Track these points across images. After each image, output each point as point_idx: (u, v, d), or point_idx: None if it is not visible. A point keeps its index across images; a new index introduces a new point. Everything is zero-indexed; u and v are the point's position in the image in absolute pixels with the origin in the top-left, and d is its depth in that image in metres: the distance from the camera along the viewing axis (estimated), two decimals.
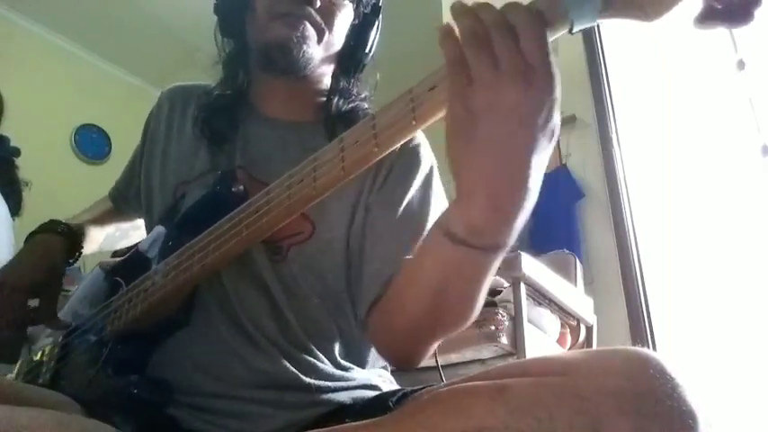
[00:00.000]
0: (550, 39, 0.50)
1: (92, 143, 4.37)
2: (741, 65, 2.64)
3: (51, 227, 0.92)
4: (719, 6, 0.46)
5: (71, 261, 0.94)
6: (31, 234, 0.92)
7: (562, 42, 3.08)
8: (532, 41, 0.48)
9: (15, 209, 1.91)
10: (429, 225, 0.77)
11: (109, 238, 1.06)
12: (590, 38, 2.92)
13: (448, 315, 0.65)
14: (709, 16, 0.47)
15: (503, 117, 0.49)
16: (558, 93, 0.49)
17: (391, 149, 0.60)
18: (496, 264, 0.59)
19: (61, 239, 0.90)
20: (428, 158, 0.86)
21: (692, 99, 2.80)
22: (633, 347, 0.52)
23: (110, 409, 0.66)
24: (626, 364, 0.50)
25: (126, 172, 1.04)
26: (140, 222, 1.09)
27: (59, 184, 3.69)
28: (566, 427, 0.47)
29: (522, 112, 0.48)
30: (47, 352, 0.89)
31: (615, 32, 2.93)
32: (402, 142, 0.60)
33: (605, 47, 2.88)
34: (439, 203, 0.82)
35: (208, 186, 0.79)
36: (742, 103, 2.63)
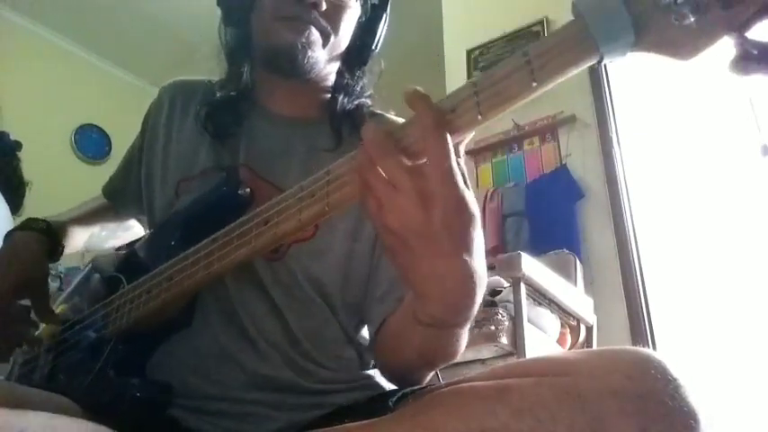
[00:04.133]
0: (577, 70, 0.50)
1: (92, 143, 4.37)
2: None
3: (29, 224, 0.90)
4: (755, 51, 0.45)
5: (53, 258, 0.91)
6: (9, 233, 0.89)
7: None
8: (434, 171, 0.49)
9: (17, 205, 1.89)
10: None
11: (94, 238, 1.04)
12: None
13: (435, 360, 0.70)
14: (745, 61, 0.46)
15: (419, 234, 0.50)
16: (462, 203, 0.50)
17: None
18: (467, 328, 0.62)
19: (39, 235, 0.88)
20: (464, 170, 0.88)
21: (692, 99, 2.79)
22: (634, 347, 0.52)
23: (110, 411, 0.66)
24: (627, 364, 0.50)
25: (122, 167, 1.01)
26: (130, 223, 1.07)
27: (59, 184, 3.68)
28: (567, 428, 0.47)
29: (434, 229, 0.50)
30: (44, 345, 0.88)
31: None
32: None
33: None
34: None
35: (212, 186, 0.77)
36: (742, 103, 2.63)
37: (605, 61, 0.50)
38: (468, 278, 0.53)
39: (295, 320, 0.76)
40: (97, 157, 4.37)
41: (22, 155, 2.04)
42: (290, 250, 0.77)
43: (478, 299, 0.56)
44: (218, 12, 0.91)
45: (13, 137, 2.05)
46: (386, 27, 0.92)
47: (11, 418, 0.48)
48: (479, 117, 0.52)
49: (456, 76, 3.30)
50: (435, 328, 0.59)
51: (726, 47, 0.46)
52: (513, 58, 0.52)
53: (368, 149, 0.51)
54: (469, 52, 3.33)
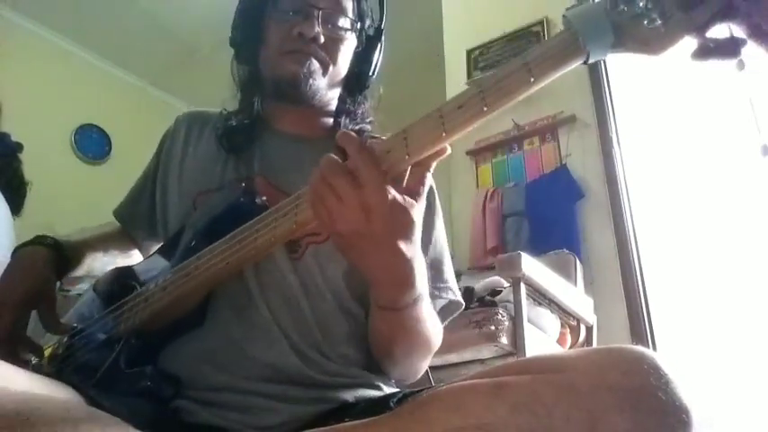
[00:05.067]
0: (566, 69, 0.59)
1: (92, 143, 4.37)
2: (741, 65, 2.64)
3: (37, 239, 0.93)
4: (711, 45, 0.55)
5: (60, 275, 0.92)
6: (17, 248, 0.92)
7: None
8: (368, 187, 0.60)
9: (18, 205, 1.90)
10: (435, 248, 0.90)
11: (97, 261, 1.05)
12: None
13: (408, 347, 0.79)
14: (703, 53, 0.55)
15: (363, 236, 0.62)
16: (395, 208, 0.61)
17: (420, 157, 0.65)
18: (422, 310, 0.72)
19: (47, 250, 0.91)
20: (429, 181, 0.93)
21: (692, 99, 2.80)
22: (627, 345, 0.54)
23: (116, 402, 0.67)
24: (621, 360, 0.52)
25: (134, 190, 1.06)
26: (131, 252, 1.09)
27: (59, 184, 3.69)
28: (563, 423, 0.49)
29: (375, 231, 0.61)
30: (48, 354, 0.89)
31: None
32: (432, 151, 0.65)
33: None
34: (440, 223, 0.94)
35: (230, 197, 0.83)
36: (742, 103, 2.63)
37: (591, 60, 0.59)
38: (406, 264, 0.65)
39: (309, 313, 0.80)
40: (97, 157, 4.37)
41: (21, 155, 2.04)
42: (308, 250, 0.83)
43: (418, 278, 0.68)
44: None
45: (13, 137, 2.05)
46: (381, 56, 1.02)
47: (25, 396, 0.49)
48: (485, 108, 0.60)
49: (456, 76, 3.31)
50: (393, 310, 0.70)
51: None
52: (513, 61, 0.60)
53: (322, 171, 0.63)
54: (469, 52, 3.34)
